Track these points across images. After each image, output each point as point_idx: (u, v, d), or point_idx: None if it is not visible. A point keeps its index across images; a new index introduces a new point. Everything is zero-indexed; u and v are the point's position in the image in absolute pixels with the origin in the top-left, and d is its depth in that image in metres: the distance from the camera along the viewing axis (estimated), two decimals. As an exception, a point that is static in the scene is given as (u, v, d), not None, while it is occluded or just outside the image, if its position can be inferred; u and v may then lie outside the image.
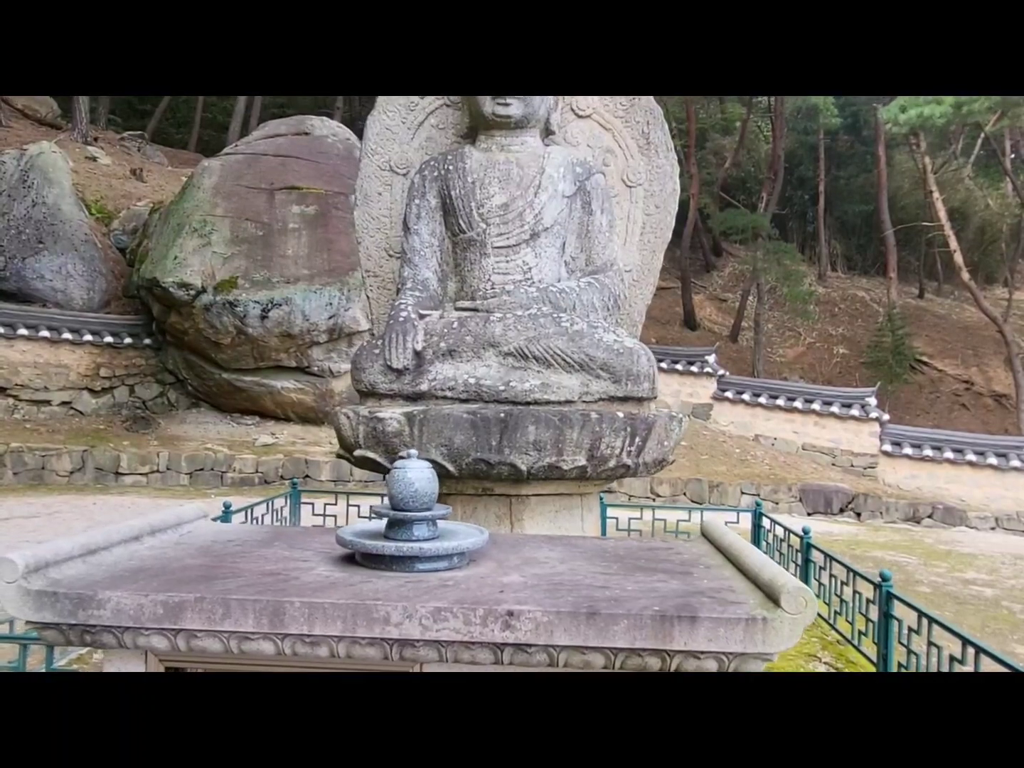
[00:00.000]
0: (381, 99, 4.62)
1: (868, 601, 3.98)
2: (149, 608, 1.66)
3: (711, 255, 25.97)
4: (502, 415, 3.47)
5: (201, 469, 11.16)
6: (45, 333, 12.16)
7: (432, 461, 3.19)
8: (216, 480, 11.11)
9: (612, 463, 3.61)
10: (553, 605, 1.65)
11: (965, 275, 17.97)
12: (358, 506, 6.54)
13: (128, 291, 13.96)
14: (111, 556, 1.97)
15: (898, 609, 3.66)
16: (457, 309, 3.98)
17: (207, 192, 12.39)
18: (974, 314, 21.94)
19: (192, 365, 12.60)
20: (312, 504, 6.58)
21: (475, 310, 3.91)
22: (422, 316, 3.90)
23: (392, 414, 3.56)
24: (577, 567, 2.02)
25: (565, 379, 3.67)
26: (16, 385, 11.92)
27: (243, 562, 1.98)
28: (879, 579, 3.79)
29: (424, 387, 3.72)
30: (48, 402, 12.18)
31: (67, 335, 12.33)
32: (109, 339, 12.75)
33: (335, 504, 6.55)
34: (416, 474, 2.00)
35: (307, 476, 11.27)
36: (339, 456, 4.14)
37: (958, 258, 17.83)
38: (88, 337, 12.54)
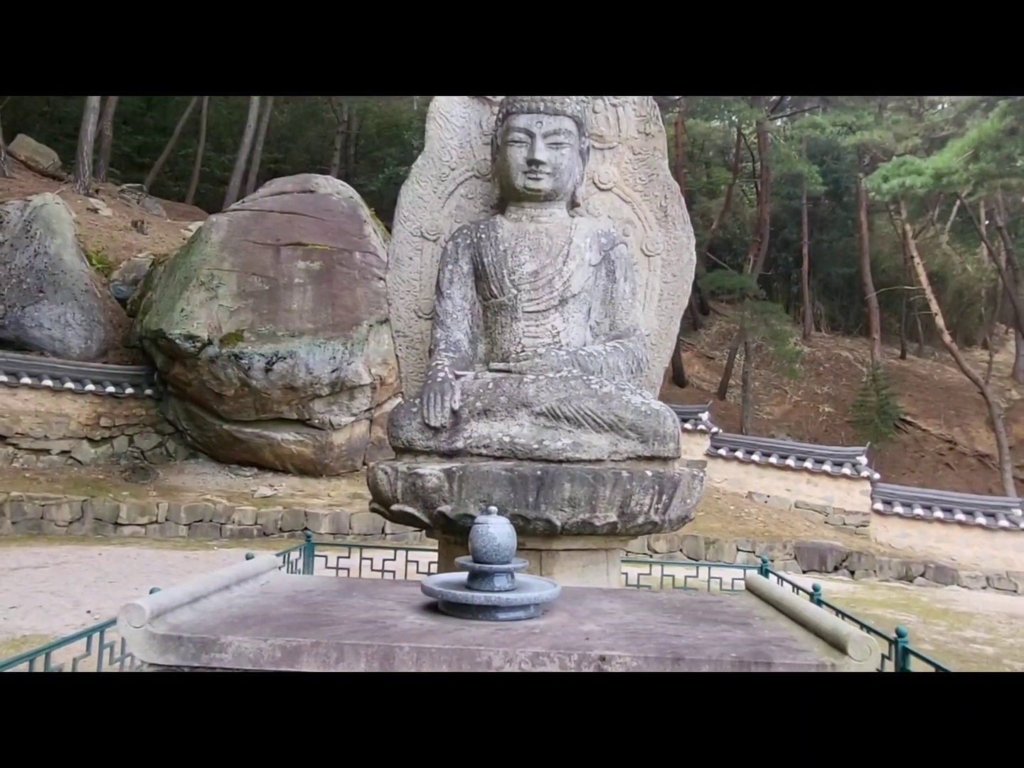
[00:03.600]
0: (414, 170, 4.87)
1: (883, 656, 4.12)
2: (268, 652, 1.79)
3: (699, 313, 26.52)
4: (539, 472, 3.63)
5: (200, 520, 11.15)
6: (48, 382, 12.23)
7: (470, 516, 3.36)
8: (215, 531, 11.10)
9: (641, 519, 3.77)
10: (639, 651, 1.80)
11: (947, 337, 18.47)
12: (371, 559, 6.63)
13: (128, 341, 14.09)
14: (211, 604, 2.11)
15: (914, 664, 3.81)
16: (491, 370, 4.15)
17: (215, 247, 12.65)
18: (955, 375, 22.48)
19: (193, 416, 12.67)
20: (325, 557, 6.66)
21: (508, 371, 4.09)
22: (457, 376, 4.07)
23: (432, 470, 3.71)
24: (643, 617, 2.18)
25: (595, 439, 3.84)
26: (17, 434, 11.94)
27: (335, 611, 2.12)
28: (894, 635, 3.95)
29: (460, 444, 3.87)
30: (48, 451, 12.18)
31: (70, 384, 12.40)
32: (111, 389, 12.82)
33: (348, 557, 6.62)
34: (497, 529, 2.16)
35: (306, 528, 11.27)
36: (372, 510, 4.26)
37: (940, 321, 18.36)
38: (90, 387, 12.61)
